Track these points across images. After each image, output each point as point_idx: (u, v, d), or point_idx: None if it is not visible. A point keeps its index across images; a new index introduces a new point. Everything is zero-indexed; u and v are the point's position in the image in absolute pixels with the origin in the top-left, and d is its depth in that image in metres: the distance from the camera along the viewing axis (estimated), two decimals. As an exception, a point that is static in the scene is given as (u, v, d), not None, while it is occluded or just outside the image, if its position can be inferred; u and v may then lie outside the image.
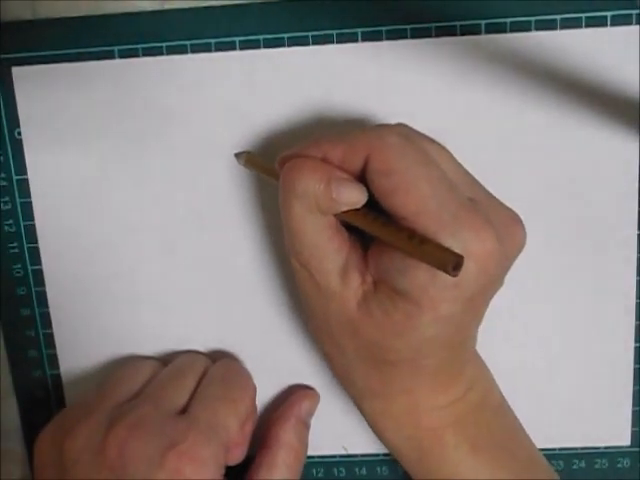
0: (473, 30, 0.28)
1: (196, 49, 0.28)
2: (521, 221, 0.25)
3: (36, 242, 0.31)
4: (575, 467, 0.32)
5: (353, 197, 0.24)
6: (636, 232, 0.30)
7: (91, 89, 0.29)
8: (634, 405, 0.31)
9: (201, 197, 0.30)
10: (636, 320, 0.30)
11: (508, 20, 0.28)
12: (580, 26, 0.27)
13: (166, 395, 0.27)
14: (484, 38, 0.28)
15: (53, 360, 0.32)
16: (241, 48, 0.28)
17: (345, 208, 0.24)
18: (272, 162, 0.26)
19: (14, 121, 0.29)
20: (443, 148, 0.25)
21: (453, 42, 0.28)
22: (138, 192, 0.30)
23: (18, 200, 0.30)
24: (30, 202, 0.30)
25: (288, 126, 0.29)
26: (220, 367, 0.30)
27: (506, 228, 0.24)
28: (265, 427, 0.30)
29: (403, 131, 0.24)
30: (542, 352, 0.31)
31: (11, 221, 0.30)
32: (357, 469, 0.33)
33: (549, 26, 0.28)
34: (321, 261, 0.24)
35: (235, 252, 0.30)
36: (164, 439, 0.25)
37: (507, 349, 0.31)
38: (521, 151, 0.29)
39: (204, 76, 0.29)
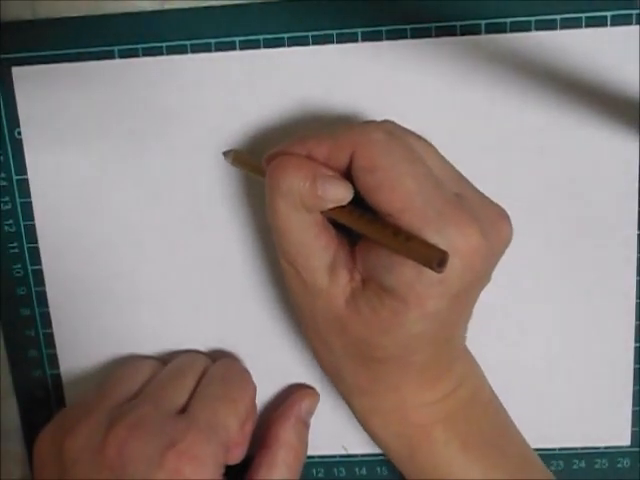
0: (473, 30, 0.28)
1: (196, 49, 0.28)
2: (507, 216, 0.25)
3: (36, 242, 0.31)
4: (575, 467, 0.32)
5: (339, 194, 0.24)
6: (636, 232, 0.30)
7: (91, 89, 0.29)
8: (634, 405, 0.31)
9: (201, 197, 0.30)
10: (636, 320, 0.30)
11: (508, 20, 0.28)
12: (580, 26, 0.27)
13: (166, 395, 0.27)
14: (484, 38, 0.28)
15: (53, 360, 0.32)
16: (241, 48, 0.28)
17: (331, 205, 0.24)
18: (260, 160, 0.26)
19: (14, 121, 0.30)
20: (429, 144, 0.25)
21: (453, 42, 0.28)
22: (138, 192, 0.30)
23: (18, 200, 0.30)
24: (30, 202, 0.30)
25: (288, 126, 0.29)
26: (220, 367, 0.30)
27: (492, 224, 0.24)
28: (265, 426, 0.30)
29: (388, 128, 0.24)
30: (542, 352, 0.31)
31: (11, 221, 0.30)
32: (357, 469, 0.33)
33: (549, 26, 0.28)
34: (308, 259, 0.25)
35: (235, 252, 0.30)
36: (164, 439, 0.25)
37: (507, 349, 0.31)
38: (521, 151, 0.29)
39: (204, 76, 0.29)
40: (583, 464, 0.32)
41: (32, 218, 0.30)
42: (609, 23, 0.27)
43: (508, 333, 0.31)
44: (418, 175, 0.23)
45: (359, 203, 0.24)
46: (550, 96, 0.28)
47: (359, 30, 0.28)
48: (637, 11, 0.27)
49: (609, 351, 0.31)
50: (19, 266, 0.31)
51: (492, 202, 0.25)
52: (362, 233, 0.24)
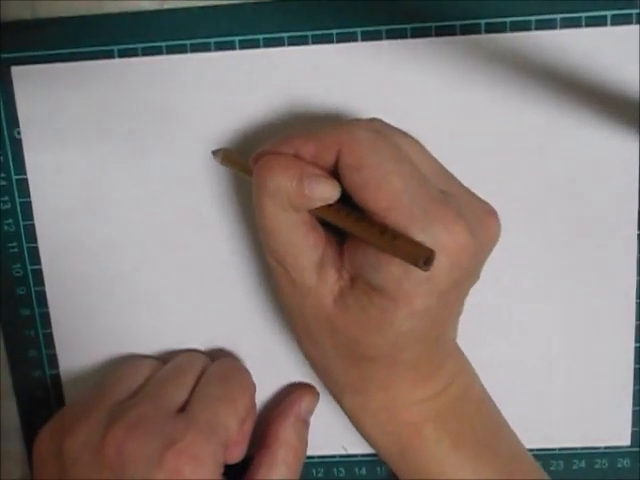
0: (473, 30, 0.28)
1: (196, 49, 0.28)
2: (495, 213, 0.25)
3: (35, 242, 0.31)
4: (575, 467, 0.32)
5: (326, 193, 0.24)
6: (636, 232, 0.30)
7: (91, 89, 0.29)
8: (634, 405, 0.31)
9: (201, 197, 0.30)
10: (636, 320, 0.30)
11: (508, 20, 0.28)
12: (580, 26, 0.27)
13: (165, 394, 0.27)
14: (484, 38, 0.28)
15: (53, 360, 0.32)
16: (241, 48, 0.28)
17: (318, 204, 0.24)
18: (248, 159, 0.26)
19: (14, 121, 0.29)
20: (416, 142, 0.25)
21: (453, 42, 0.28)
22: (138, 192, 0.30)
23: (18, 200, 0.30)
24: (30, 202, 0.30)
25: (288, 126, 0.29)
26: (219, 366, 0.30)
27: (480, 221, 0.24)
28: (264, 425, 0.30)
29: (374, 126, 0.24)
30: (542, 352, 0.31)
31: (11, 221, 0.30)
32: (357, 469, 0.33)
33: (549, 26, 0.28)
34: (296, 258, 0.25)
35: (234, 251, 0.30)
36: (163, 438, 0.25)
37: (506, 349, 0.31)
38: (521, 151, 0.29)
39: (204, 76, 0.29)
40: (583, 464, 0.32)
41: (32, 218, 0.30)
42: (609, 23, 0.27)
43: (508, 333, 0.31)
44: (404, 173, 0.23)
45: (347, 202, 0.24)
46: (550, 96, 0.28)
47: (359, 30, 0.28)
48: (637, 11, 0.27)
49: (609, 351, 0.31)
50: (19, 266, 0.31)
51: (480, 199, 0.25)
52: (349, 232, 0.24)
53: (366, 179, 0.23)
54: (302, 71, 0.28)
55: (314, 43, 0.28)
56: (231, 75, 0.29)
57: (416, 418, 0.26)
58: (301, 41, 0.28)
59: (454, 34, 0.28)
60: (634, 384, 0.31)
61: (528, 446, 0.30)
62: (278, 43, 0.28)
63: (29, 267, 0.31)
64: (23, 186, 0.30)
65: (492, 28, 0.28)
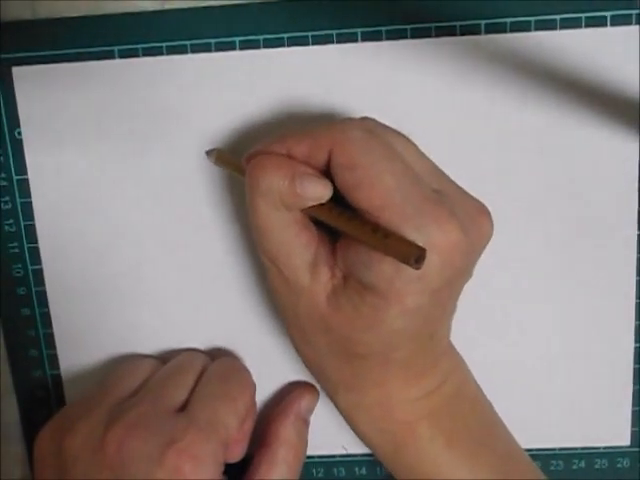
0: (473, 30, 0.28)
1: (196, 49, 0.29)
2: (488, 212, 0.25)
3: (36, 242, 0.31)
4: (575, 467, 0.32)
5: (318, 192, 0.24)
6: (636, 232, 0.30)
7: (91, 89, 0.29)
8: (634, 405, 0.31)
9: (201, 197, 0.30)
10: (636, 320, 0.30)
11: (508, 20, 0.28)
12: (580, 26, 0.27)
13: (165, 393, 0.27)
14: (484, 38, 0.28)
15: (53, 360, 0.32)
16: (241, 48, 0.28)
17: (310, 203, 0.24)
18: (242, 159, 0.26)
19: (14, 121, 0.30)
20: (408, 141, 0.25)
21: (453, 42, 0.28)
22: (138, 192, 0.30)
23: (18, 200, 0.30)
24: (30, 202, 0.30)
25: (288, 126, 0.29)
26: (219, 365, 0.30)
27: (472, 219, 0.24)
28: (265, 424, 0.30)
29: (367, 125, 0.24)
30: (541, 352, 0.31)
31: (11, 221, 0.30)
32: (357, 469, 0.33)
33: (549, 26, 0.28)
34: (289, 257, 0.25)
35: (234, 251, 0.30)
36: (163, 437, 0.25)
37: (506, 349, 0.31)
38: (521, 151, 0.29)
39: (204, 76, 0.29)
40: (583, 464, 0.32)
41: (32, 218, 0.30)
42: (609, 23, 0.27)
43: (508, 333, 0.31)
44: (397, 172, 0.23)
45: (339, 201, 0.24)
46: (550, 96, 0.28)
47: (359, 30, 0.28)
48: (637, 11, 0.27)
49: (609, 351, 0.31)
50: (19, 266, 0.31)
51: (472, 198, 0.25)
52: (342, 230, 0.24)
53: (359, 178, 0.23)
54: (302, 71, 0.29)
55: (314, 43, 0.28)
56: (231, 75, 0.29)
57: (410, 416, 0.26)
58: (301, 41, 0.28)
59: (454, 34, 0.28)
60: (634, 384, 0.31)
61: (528, 446, 0.30)
62: (278, 43, 0.28)
63: (30, 267, 0.31)
64: (24, 186, 0.30)
65: (492, 28, 0.28)
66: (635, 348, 0.31)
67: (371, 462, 0.33)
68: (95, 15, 0.29)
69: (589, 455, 0.32)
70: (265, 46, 0.28)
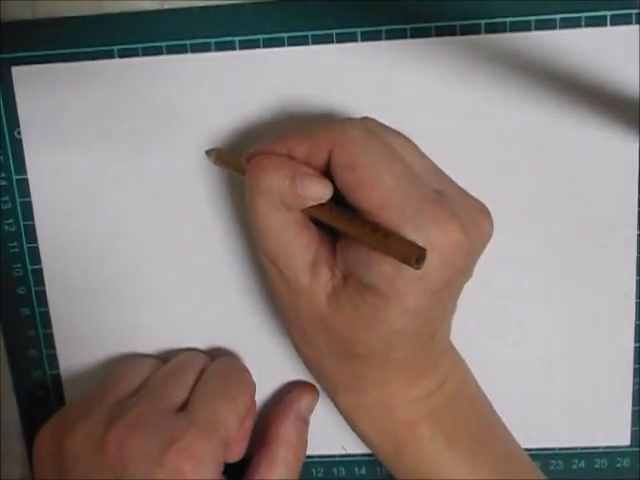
0: (473, 30, 0.28)
1: (196, 49, 0.29)
2: (488, 212, 0.25)
3: (36, 242, 0.31)
4: (575, 467, 0.32)
5: (318, 192, 0.24)
6: (636, 232, 0.30)
7: (91, 89, 0.29)
8: (634, 405, 0.31)
9: (201, 197, 0.30)
10: (636, 320, 0.30)
11: (508, 20, 0.28)
12: (580, 26, 0.27)
13: (165, 392, 0.27)
14: (484, 38, 0.28)
15: (53, 360, 0.32)
16: (241, 48, 0.28)
17: (311, 203, 0.24)
18: (241, 159, 0.26)
19: (14, 121, 0.30)
20: (408, 141, 0.25)
21: (453, 42, 0.28)
22: (138, 192, 0.30)
23: (18, 200, 0.30)
24: (30, 202, 0.30)
25: (288, 126, 0.29)
26: (219, 364, 0.30)
27: (472, 219, 0.24)
28: (264, 424, 0.30)
29: (367, 125, 0.24)
30: (542, 352, 0.31)
31: (11, 221, 0.30)
32: (357, 469, 0.33)
33: (549, 26, 0.28)
34: (289, 257, 0.25)
35: (234, 251, 0.30)
36: (163, 436, 0.25)
37: (506, 349, 0.31)
38: (521, 151, 0.29)
39: (204, 76, 0.29)
40: (583, 464, 0.32)
41: (32, 218, 0.30)
42: (609, 23, 0.27)
43: (508, 333, 0.31)
44: (396, 172, 0.23)
45: (339, 201, 0.24)
46: (550, 96, 0.28)
47: (359, 30, 0.28)
48: (637, 11, 0.27)
49: (609, 351, 0.31)
50: (19, 266, 0.31)
51: (472, 198, 0.25)
52: (342, 230, 0.24)
53: (358, 178, 0.23)
54: (302, 71, 0.29)
55: (314, 43, 0.28)
56: (231, 75, 0.29)
57: (410, 416, 0.26)
58: (301, 41, 0.28)
59: (454, 34, 0.28)
60: (634, 384, 0.31)
61: (528, 446, 0.30)
62: (278, 43, 0.28)
63: (29, 267, 0.31)
64: (23, 186, 0.30)
65: (492, 28, 0.28)
66: (635, 348, 0.31)
67: (371, 462, 0.33)
68: (95, 15, 0.29)
69: (589, 455, 0.32)
70: (265, 46, 0.28)
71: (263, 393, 0.32)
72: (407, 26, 0.28)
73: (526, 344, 0.31)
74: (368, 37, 0.28)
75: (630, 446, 0.32)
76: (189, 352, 0.31)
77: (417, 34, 0.28)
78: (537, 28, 0.28)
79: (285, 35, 0.28)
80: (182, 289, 0.31)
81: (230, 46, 0.28)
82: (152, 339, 0.31)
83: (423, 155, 0.25)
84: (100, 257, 0.31)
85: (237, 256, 0.30)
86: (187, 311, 0.31)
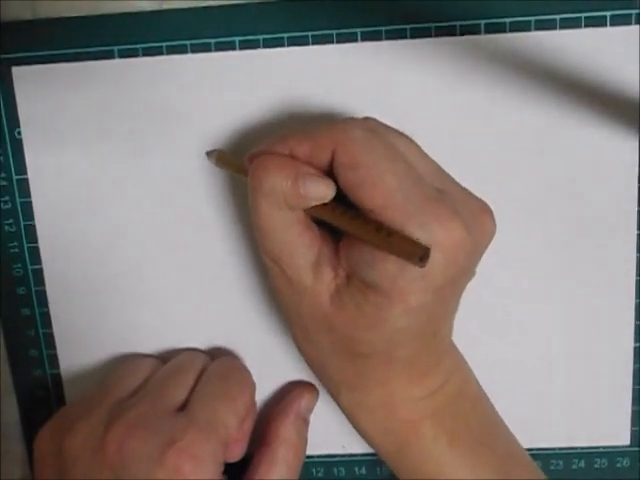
0: (473, 30, 0.28)
1: (196, 49, 0.29)
2: (490, 211, 0.25)
3: (36, 242, 0.31)
4: (575, 467, 0.32)
5: (320, 192, 0.24)
6: (636, 232, 0.30)
7: (91, 89, 0.29)
8: (634, 405, 0.31)
9: (201, 197, 0.30)
10: (636, 320, 0.30)
11: (508, 20, 0.28)
12: (579, 26, 0.27)
13: (165, 392, 0.27)
14: (484, 38, 0.28)
15: (53, 359, 0.32)
16: (241, 48, 0.28)
17: (313, 203, 0.24)
18: (242, 159, 0.26)
19: (14, 121, 0.30)
20: (411, 140, 0.25)
21: (453, 42, 0.28)
22: (138, 192, 0.30)
23: (18, 200, 0.30)
24: (30, 202, 0.30)
25: (288, 126, 0.29)
26: (219, 364, 0.30)
27: (475, 218, 0.24)
28: (264, 424, 0.30)
29: (369, 125, 0.24)
30: (542, 352, 0.31)
31: (11, 221, 0.30)
32: (357, 468, 0.33)
33: (549, 26, 0.28)
34: (292, 257, 0.25)
35: (234, 251, 0.30)
36: (163, 436, 0.25)
37: (506, 349, 0.31)
38: (521, 151, 0.29)
39: (204, 76, 0.29)
40: (583, 464, 0.32)
41: (32, 218, 0.30)
42: (608, 23, 0.27)
43: (508, 333, 0.31)
44: (399, 171, 0.23)
45: (342, 200, 0.24)
46: (550, 96, 0.28)
47: (358, 30, 0.28)
48: (637, 11, 0.27)
49: (609, 351, 0.31)
50: (19, 266, 0.31)
51: (475, 197, 0.25)
52: (345, 230, 0.24)
53: (361, 177, 0.23)
54: (302, 71, 0.29)
55: (314, 43, 0.28)
56: (231, 75, 0.29)
57: (413, 415, 0.26)
58: (301, 41, 0.28)
59: (454, 34, 0.28)
60: (634, 384, 0.31)
61: (528, 446, 0.30)
62: (278, 43, 0.28)
63: (30, 267, 0.31)
64: (24, 186, 0.30)
65: (492, 28, 0.28)
66: (635, 348, 0.31)
67: (371, 462, 0.33)
68: (95, 15, 0.29)
69: (589, 455, 0.32)
70: (265, 46, 0.28)
71: (263, 393, 0.32)
72: (407, 26, 0.28)
73: (526, 344, 0.31)
74: (368, 37, 0.28)
75: (630, 446, 0.32)
76: (189, 352, 0.31)
77: (417, 34, 0.28)
78: (537, 28, 0.28)
79: (285, 35, 0.28)
80: (182, 289, 0.31)
81: (230, 46, 0.28)
82: (152, 339, 0.31)
83: (425, 155, 0.25)
84: (100, 257, 0.31)
85: (237, 256, 0.30)
86: (187, 311, 0.31)
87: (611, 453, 0.32)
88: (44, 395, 0.32)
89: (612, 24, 0.27)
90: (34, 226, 0.31)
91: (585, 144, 0.29)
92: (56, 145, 0.30)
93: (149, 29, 0.28)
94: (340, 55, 0.28)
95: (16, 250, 0.31)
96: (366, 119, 0.25)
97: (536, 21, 0.28)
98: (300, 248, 0.25)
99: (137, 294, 0.31)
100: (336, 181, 0.24)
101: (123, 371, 0.29)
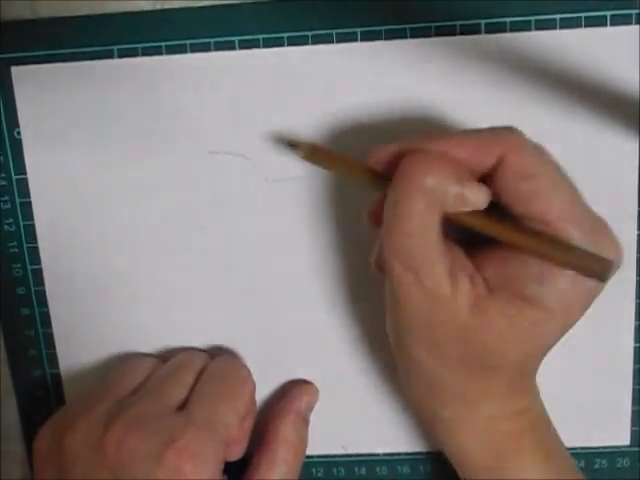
0: (473, 30, 0.28)
1: (195, 49, 0.28)
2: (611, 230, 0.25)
3: (36, 242, 0.31)
4: (575, 467, 0.32)
5: (482, 197, 0.23)
6: (636, 232, 0.30)
7: (90, 89, 0.29)
8: (634, 405, 0.31)
9: (201, 197, 0.30)
10: (636, 320, 0.30)
11: (508, 20, 0.28)
12: (580, 26, 0.27)
13: (165, 391, 0.27)
14: (484, 38, 0.28)
15: (53, 359, 0.32)
16: (240, 48, 0.28)
17: (471, 208, 0.23)
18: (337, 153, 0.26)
19: (14, 121, 0.30)
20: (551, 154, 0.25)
21: (453, 42, 0.28)
22: (138, 192, 0.30)
23: (18, 200, 0.30)
24: (30, 202, 0.30)
25: (288, 126, 0.29)
26: (219, 363, 0.30)
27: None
28: (264, 423, 0.30)
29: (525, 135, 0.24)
30: (542, 352, 0.31)
31: (11, 221, 0.30)
32: (357, 469, 0.33)
33: (549, 26, 0.28)
34: (432, 263, 0.23)
35: (234, 251, 0.30)
36: (163, 436, 0.25)
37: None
38: (521, 151, 0.29)
39: (204, 76, 0.29)
40: (583, 464, 0.32)
41: (32, 218, 0.30)
42: (608, 23, 0.27)
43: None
44: (571, 185, 0.23)
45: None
46: (550, 96, 0.28)
47: (358, 30, 0.28)
48: (637, 11, 0.27)
49: (609, 351, 0.31)
50: (19, 266, 0.31)
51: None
52: (505, 240, 0.23)
53: (537, 188, 0.22)
54: (302, 71, 0.28)
55: (314, 43, 0.28)
56: (231, 75, 0.29)
57: (515, 429, 0.26)
58: (301, 41, 0.28)
59: (454, 34, 0.28)
60: (634, 384, 0.31)
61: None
62: (278, 43, 0.28)
63: (29, 267, 0.31)
64: (23, 186, 0.30)
65: (492, 28, 0.28)
66: (635, 348, 0.31)
67: (371, 462, 0.33)
68: (94, 15, 0.29)
69: (589, 455, 0.32)
70: (265, 46, 0.28)
71: (263, 392, 0.32)
72: (407, 26, 0.28)
73: (526, 344, 0.31)
74: (368, 37, 0.28)
75: (630, 446, 0.32)
76: (189, 351, 0.31)
77: (417, 34, 0.28)
78: (537, 28, 0.28)
79: (285, 35, 0.28)
80: (182, 289, 0.31)
81: (230, 46, 0.28)
82: (152, 339, 0.31)
83: None
84: (100, 257, 0.31)
85: (237, 256, 0.30)
86: (187, 311, 0.31)
87: (611, 453, 0.32)
88: (44, 395, 0.32)
89: (612, 24, 0.27)
90: (33, 226, 0.30)
91: (585, 144, 0.29)
92: (56, 145, 0.30)
93: (148, 29, 0.28)
94: (340, 55, 0.28)
95: (16, 250, 0.31)
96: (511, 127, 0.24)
97: (536, 21, 0.27)
98: (440, 254, 0.23)
99: (137, 294, 0.31)
100: (495, 188, 0.23)
101: (123, 370, 0.29)
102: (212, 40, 0.28)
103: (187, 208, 0.30)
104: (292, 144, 0.27)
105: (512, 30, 0.28)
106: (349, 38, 0.28)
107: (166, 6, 0.28)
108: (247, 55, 0.28)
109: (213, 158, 0.29)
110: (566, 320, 0.23)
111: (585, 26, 0.27)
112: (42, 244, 0.31)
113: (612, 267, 0.21)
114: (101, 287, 0.31)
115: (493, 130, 0.24)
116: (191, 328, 0.31)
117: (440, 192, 0.23)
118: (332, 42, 0.28)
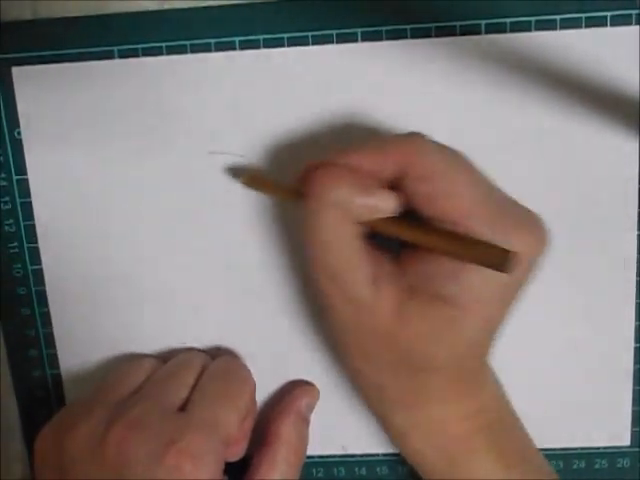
0: (473, 30, 0.28)
1: (196, 49, 0.29)
2: (543, 222, 0.25)
3: (36, 242, 0.31)
4: (575, 467, 0.32)
5: (390, 204, 0.23)
6: (636, 232, 0.30)
7: (91, 89, 0.29)
8: (634, 405, 0.31)
9: (201, 197, 0.30)
10: (636, 320, 0.30)
11: (508, 20, 0.28)
12: (580, 26, 0.27)
13: (165, 392, 0.27)
14: (484, 38, 0.28)
15: (53, 359, 0.32)
16: (241, 48, 0.28)
17: (381, 215, 0.24)
18: (275, 176, 0.26)
19: (14, 121, 0.30)
20: (460, 152, 0.25)
21: (453, 42, 0.28)
22: (138, 192, 0.30)
23: (18, 200, 0.30)
24: (30, 202, 0.30)
25: (288, 126, 0.29)
26: (219, 363, 0.30)
27: (536, 228, 0.24)
28: (265, 423, 0.30)
29: (428, 138, 0.24)
30: (542, 352, 0.31)
31: (11, 221, 0.30)
32: (357, 469, 0.33)
33: (549, 26, 0.28)
34: (351, 272, 0.24)
35: (234, 251, 0.30)
36: (163, 436, 0.25)
37: (507, 349, 0.31)
38: (521, 151, 0.29)
39: (204, 76, 0.29)
40: (583, 464, 0.32)
41: (32, 218, 0.30)
42: (609, 23, 0.27)
43: (508, 333, 0.31)
44: (476, 182, 0.23)
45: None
46: (550, 96, 0.28)
47: (359, 30, 0.28)
48: (637, 11, 0.27)
49: (609, 351, 0.31)
50: (19, 266, 0.31)
51: (527, 208, 0.25)
52: (416, 242, 0.23)
53: (440, 189, 0.23)
54: (302, 71, 0.28)
55: (314, 43, 0.28)
56: (231, 75, 0.29)
57: (466, 431, 0.26)
58: (301, 41, 0.28)
59: (454, 34, 0.28)
60: (634, 384, 0.31)
61: (528, 446, 0.30)
62: (278, 43, 0.28)
63: (29, 267, 0.31)
64: (23, 186, 0.30)
65: (492, 28, 0.28)
66: (635, 348, 0.31)
67: (371, 462, 0.33)
68: (95, 15, 0.29)
69: (589, 455, 0.32)
70: (265, 46, 0.28)
71: (264, 392, 0.32)
72: (407, 26, 0.28)
73: (526, 344, 0.31)
74: (368, 37, 0.28)
75: (630, 446, 0.32)
76: (189, 351, 0.31)
77: (417, 34, 0.28)
78: (537, 28, 0.28)
79: (285, 35, 0.28)
80: (182, 289, 0.31)
81: (230, 46, 0.28)
82: (153, 339, 0.31)
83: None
84: (100, 257, 0.31)
85: (237, 256, 0.30)
86: (188, 312, 0.31)
87: (611, 454, 0.32)
88: (44, 395, 0.32)
89: (612, 24, 0.27)
90: (34, 226, 0.31)
91: (585, 144, 0.29)
92: (56, 145, 0.30)
93: (149, 29, 0.28)
94: (340, 55, 0.28)
95: (16, 250, 0.31)
96: (416, 133, 0.25)
97: (536, 21, 0.28)
98: (360, 263, 0.24)
99: (137, 294, 0.31)
100: (402, 194, 0.24)
101: (123, 371, 0.29)
102: (213, 40, 0.28)
103: (187, 208, 0.30)
104: (235, 172, 0.28)
105: (512, 30, 0.28)
106: (349, 38, 0.28)
107: (167, 6, 0.28)
108: (247, 55, 0.28)
109: (213, 158, 0.29)
110: (485, 315, 0.23)
111: (585, 26, 0.27)
112: (42, 244, 0.31)
113: (512, 258, 0.21)
114: (102, 287, 0.31)
115: (396, 137, 0.24)
116: (191, 328, 0.31)
117: (347, 203, 0.23)
118: (332, 42, 0.28)
